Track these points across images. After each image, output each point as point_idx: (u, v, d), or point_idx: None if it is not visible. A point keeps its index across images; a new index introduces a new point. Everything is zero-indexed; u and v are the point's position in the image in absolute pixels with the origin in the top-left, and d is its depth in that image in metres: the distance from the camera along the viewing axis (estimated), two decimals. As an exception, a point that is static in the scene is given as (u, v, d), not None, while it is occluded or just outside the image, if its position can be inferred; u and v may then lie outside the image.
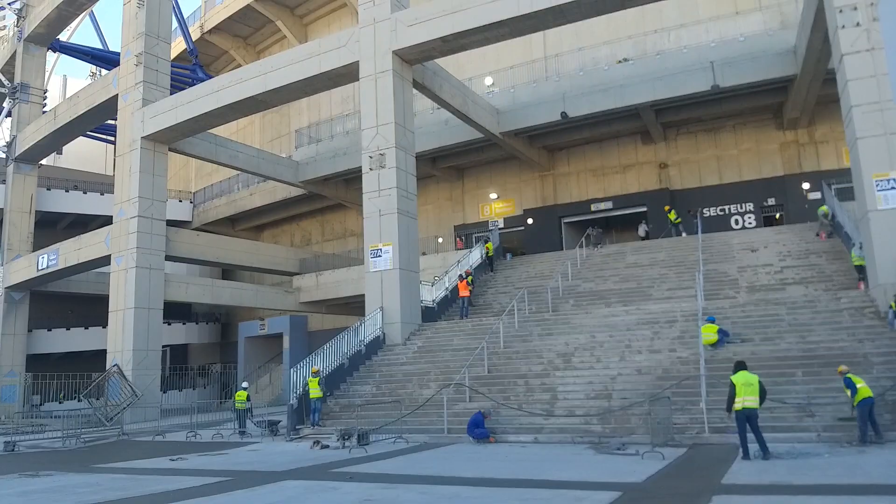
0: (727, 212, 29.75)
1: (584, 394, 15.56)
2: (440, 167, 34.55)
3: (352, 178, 35.24)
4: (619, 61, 29.17)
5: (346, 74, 23.92)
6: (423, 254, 29.52)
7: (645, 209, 30.82)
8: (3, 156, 39.01)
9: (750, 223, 29.15)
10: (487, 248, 28.39)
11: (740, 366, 11.24)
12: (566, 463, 11.50)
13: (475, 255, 28.09)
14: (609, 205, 31.99)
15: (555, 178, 33.53)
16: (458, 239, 34.18)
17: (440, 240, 34.45)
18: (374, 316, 21.20)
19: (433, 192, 36.23)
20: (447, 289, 25.09)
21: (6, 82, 40.31)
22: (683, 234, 27.33)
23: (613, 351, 17.23)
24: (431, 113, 31.44)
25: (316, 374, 17.78)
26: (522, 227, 33.69)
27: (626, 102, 27.65)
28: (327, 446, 15.02)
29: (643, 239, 28.82)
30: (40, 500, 9.71)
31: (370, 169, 22.22)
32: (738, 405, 10.80)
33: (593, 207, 32.28)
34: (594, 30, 30.22)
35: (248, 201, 41.89)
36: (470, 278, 24.55)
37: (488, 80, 32.23)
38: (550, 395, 15.84)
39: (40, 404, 33.66)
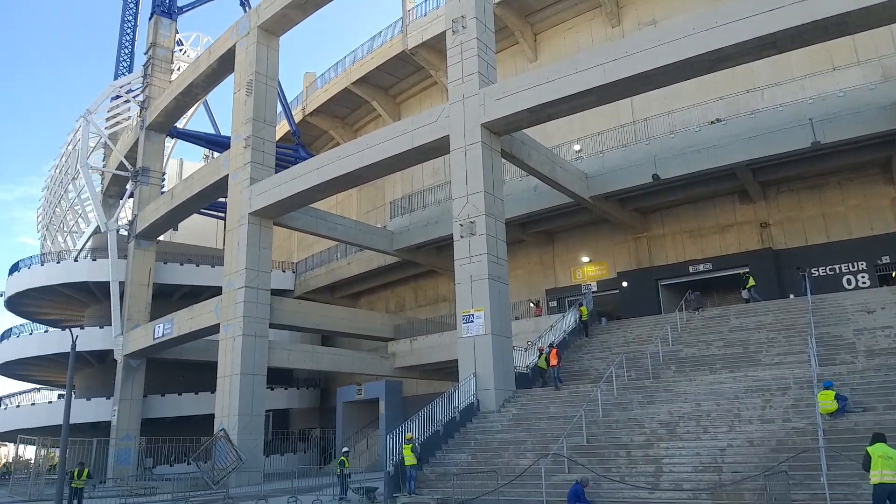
0: (837, 271, 28.10)
1: (691, 466, 14.82)
2: (530, 232, 34.77)
3: (443, 246, 36.03)
4: (712, 122, 28.79)
5: (437, 148, 24.87)
6: (516, 318, 29.48)
7: (747, 270, 29.59)
8: (126, 233, 42.56)
9: (864, 283, 27.35)
10: (581, 312, 28.02)
11: (879, 437, 10.56)
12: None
13: (569, 320, 27.77)
14: (708, 266, 30.98)
15: (649, 240, 32.95)
16: (535, 306, 33.72)
17: (532, 305, 34.31)
18: (468, 382, 21.22)
19: (524, 257, 36.38)
20: (541, 354, 24.84)
21: (129, 167, 44.38)
22: (757, 299, 26.35)
23: (721, 420, 16.40)
24: (520, 180, 31.94)
25: (409, 441, 17.86)
26: (617, 291, 33.07)
27: (721, 163, 27.10)
28: (424, 515, 14.96)
29: (747, 301, 27.62)
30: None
31: (461, 236, 22.71)
32: (874, 478, 10.05)
33: (691, 269, 31.33)
34: (683, 92, 30.11)
35: (346, 270, 43.49)
36: (543, 358, 23.74)
37: (576, 147, 32.52)
38: (655, 468, 15.19)
39: (153, 467, 35.31)
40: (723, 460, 14.58)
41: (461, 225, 22.77)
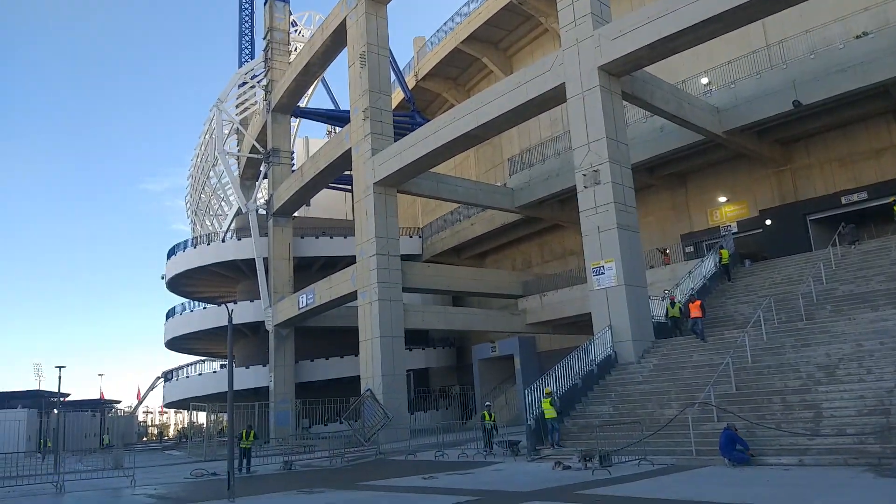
0: None
1: (854, 410, 13.75)
2: (659, 176, 33.20)
3: (567, 198, 35.30)
4: (857, 36, 25.79)
5: (553, 98, 24.18)
6: (651, 267, 28.44)
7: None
8: (264, 213, 45.33)
9: None
10: (722, 255, 26.53)
11: None
12: (843, 488, 10.25)
13: (708, 265, 26.40)
14: (863, 195, 28.11)
15: (793, 172, 30.39)
16: (664, 254, 32.09)
17: (667, 251, 32.92)
18: (603, 335, 20.85)
19: (654, 203, 34.85)
20: (679, 302, 23.85)
21: (261, 149, 46.98)
22: None
23: (887, 360, 15.02)
24: (644, 121, 30.46)
25: (548, 395, 17.92)
26: (760, 230, 30.92)
27: (871, 81, 24.27)
28: (569, 467, 15.01)
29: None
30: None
31: (585, 187, 22.09)
32: None
33: (843, 200, 28.57)
34: (821, 7, 27.18)
35: (470, 231, 43.87)
36: (677, 307, 22.28)
37: (704, 80, 30.40)
38: (814, 413, 14.24)
39: (309, 427, 37.99)
40: (890, 402, 13.40)
41: (584, 175, 22.12)
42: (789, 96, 25.84)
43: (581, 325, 32.49)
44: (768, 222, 30.60)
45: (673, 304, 22.57)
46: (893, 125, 27.64)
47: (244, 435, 21.38)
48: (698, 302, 21.07)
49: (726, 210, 32.32)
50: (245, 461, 21.10)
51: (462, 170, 47.76)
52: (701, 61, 31.04)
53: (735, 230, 31.10)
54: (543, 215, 38.12)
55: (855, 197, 28.25)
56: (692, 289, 24.16)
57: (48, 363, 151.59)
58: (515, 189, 37.66)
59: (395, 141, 32.33)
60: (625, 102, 23.52)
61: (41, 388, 59.44)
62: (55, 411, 46.53)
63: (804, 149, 30.03)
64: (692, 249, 32.83)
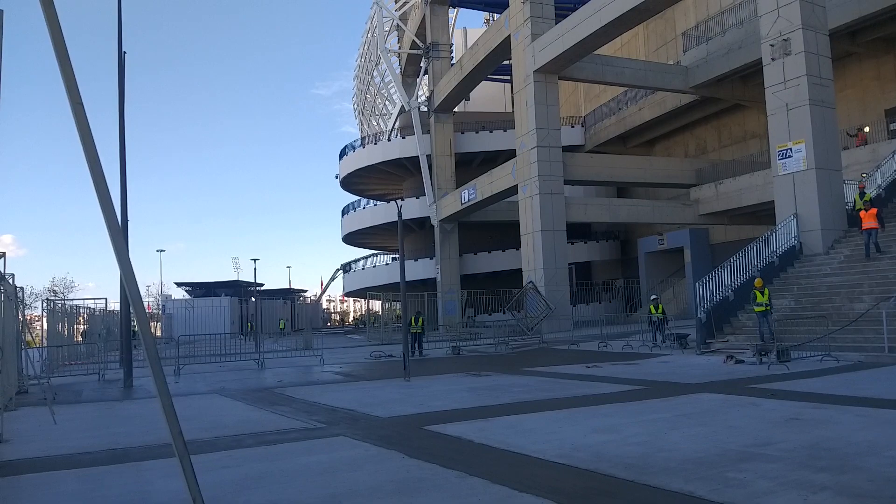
0: None
1: None
2: (862, 41, 28.62)
3: (750, 74, 31.79)
4: None
5: (736, -44, 21.30)
6: (846, 148, 25.20)
7: None
8: (426, 109, 45.79)
9: None
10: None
11: None
12: None
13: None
14: None
15: None
16: (858, 132, 27.78)
17: (866, 129, 28.87)
18: (787, 224, 19.09)
19: (854, 74, 30.36)
20: (880, 187, 21.01)
21: (420, 44, 46.84)
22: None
23: None
24: (847, -23, 26.08)
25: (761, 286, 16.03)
26: None
27: None
28: (742, 361, 14.29)
29: None
30: (484, 395, 11.45)
31: (773, 59, 19.63)
32: None
33: None
34: None
35: (637, 116, 41.35)
36: (867, 198, 18.22)
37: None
38: None
39: (474, 316, 39.56)
40: None
41: (772, 45, 19.61)
42: None
43: (760, 215, 30.04)
44: None
45: (862, 194, 18.78)
46: None
47: (412, 321, 22.69)
48: (874, 210, 17.50)
49: (950, 77, 27.38)
50: (417, 345, 22.48)
51: (629, 50, 44.44)
52: None
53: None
54: (722, 95, 34.78)
55: None
56: (895, 171, 21.14)
57: (244, 256, 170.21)
58: (690, 67, 34.54)
59: (557, 23, 30.63)
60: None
61: (239, 279, 66.91)
62: (252, 299, 52.55)
63: None
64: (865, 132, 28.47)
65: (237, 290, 61.26)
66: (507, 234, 41.50)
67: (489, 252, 44.67)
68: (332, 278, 70.25)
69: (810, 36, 19.02)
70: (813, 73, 18.96)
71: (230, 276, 72.07)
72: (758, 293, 15.85)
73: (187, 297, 60.80)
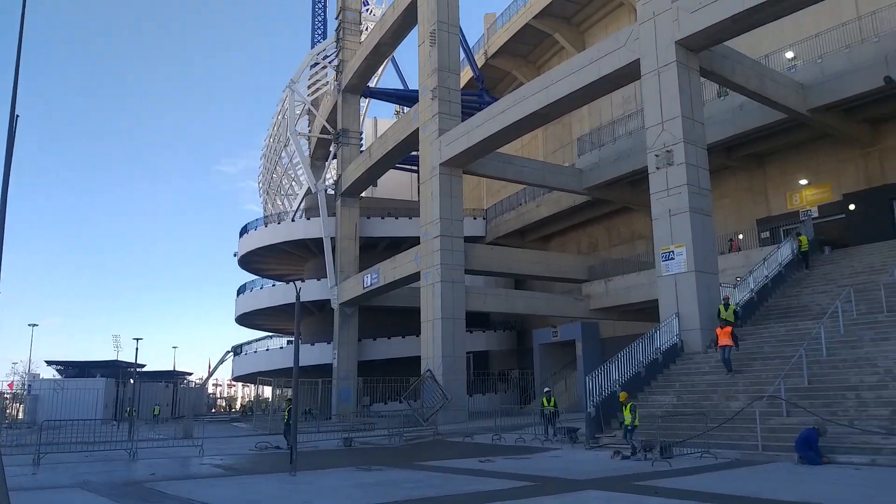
0: None
1: (941, 411, 12.76)
2: (736, 157, 31.64)
3: (637, 180, 34.17)
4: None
5: (627, 74, 23.32)
6: (722, 253, 27.27)
7: None
8: (333, 192, 46.00)
9: None
10: (801, 241, 25.12)
11: None
12: (925, 495, 9.50)
13: (785, 251, 25.06)
14: (961, 180, 26.04)
15: (882, 154, 28.35)
16: (731, 241, 30.54)
17: (740, 237, 31.47)
18: (670, 322, 20.12)
19: (730, 185, 33.33)
20: (752, 291, 22.74)
21: (331, 129, 47.60)
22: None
23: (981, 359, 13.86)
24: (721, 99, 29.05)
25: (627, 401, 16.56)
26: (842, 215, 29.10)
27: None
28: (628, 457, 14.57)
29: None
30: (374, 493, 11.01)
31: (657, 168, 21.25)
32: None
33: (938, 185, 26.57)
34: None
35: (535, 213, 43.22)
36: (731, 310, 19.11)
37: (789, 54, 28.70)
38: (890, 411, 13.29)
39: (370, 404, 38.61)
40: None
41: (657, 155, 21.27)
42: (881, 72, 24.02)
43: (646, 311, 31.54)
44: (852, 207, 28.76)
45: (727, 305, 19.32)
46: None
47: (287, 413, 21.66)
48: (728, 329, 17.76)
49: (807, 193, 30.56)
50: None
51: (529, 150, 47.00)
52: (786, 34, 29.23)
53: (815, 215, 29.40)
54: (612, 197, 37.11)
55: (953, 182, 26.20)
56: (766, 276, 23.01)
57: (127, 335, 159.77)
58: (584, 170, 36.78)
59: (463, 121, 32.03)
60: (702, 79, 22.43)
61: (119, 359, 62.54)
62: (131, 381, 48.94)
63: (894, 129, 28.00)
64: (768, 235, 31.28)
65: (115, 370, 57.03)
66: (409, 321, 41.38)
67: (388, 338, 44.18)
68: (221, 361, 66.88)
69: (691, 149, 20.80)
70: (693, 182, 20.62)
71: (110, 355, 67.25)
72: (625, 408, 16.13)
73: (58, 376, 55.93)
